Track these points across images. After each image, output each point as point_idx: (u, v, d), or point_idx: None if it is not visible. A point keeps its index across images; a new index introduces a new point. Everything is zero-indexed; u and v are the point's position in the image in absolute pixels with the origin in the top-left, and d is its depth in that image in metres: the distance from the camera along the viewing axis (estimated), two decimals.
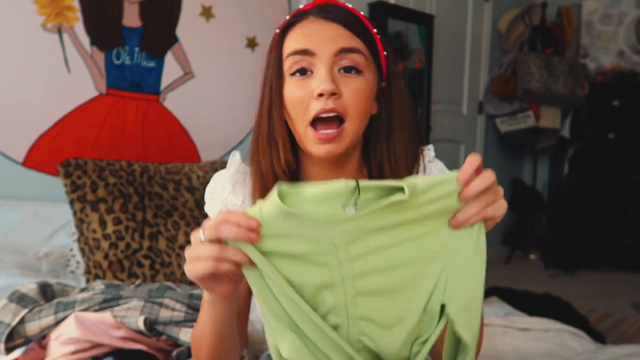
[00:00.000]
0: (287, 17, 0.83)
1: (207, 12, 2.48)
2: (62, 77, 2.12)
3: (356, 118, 0.77)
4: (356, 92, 0.76)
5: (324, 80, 0.74)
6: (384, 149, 0.82)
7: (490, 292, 2.47)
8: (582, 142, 3.93)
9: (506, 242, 4.22)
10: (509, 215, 4.25)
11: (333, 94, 0.75)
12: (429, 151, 0.88)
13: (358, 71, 0.77)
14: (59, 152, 2.09)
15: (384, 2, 3.04)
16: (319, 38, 0.77)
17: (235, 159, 0.90)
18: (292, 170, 0.83)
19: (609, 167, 3.84)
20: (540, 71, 3.65)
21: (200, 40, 2.47)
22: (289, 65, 0.78)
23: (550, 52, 3.83)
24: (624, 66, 3.96)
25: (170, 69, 2.40)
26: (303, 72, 0.77)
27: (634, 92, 3.81)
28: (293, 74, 0.78)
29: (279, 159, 0.81)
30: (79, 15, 2.12)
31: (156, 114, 2.38)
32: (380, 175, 0.82)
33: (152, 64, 2.34)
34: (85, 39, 2.15)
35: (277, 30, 0.82)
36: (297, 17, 0.80)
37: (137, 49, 2.29)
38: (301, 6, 0.83)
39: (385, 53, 0.83)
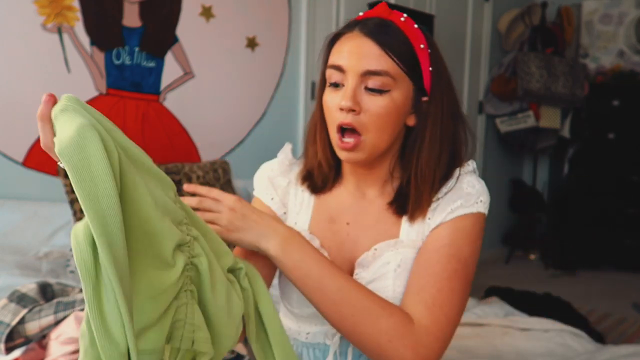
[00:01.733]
0: (347, 23, 0.90)
1: (207, 12, 2.48)
2: (62, 77, 2.12)
3: (375, 132, 0.84)
4: (376, 111, 0.83)
5: (346, 96, 0.82)
6: (413, 161, 0.88)
7: (490, 292, 2.47)
8: (582, 142, 3.93)
9: (506, 242, 4.22)
10: (509, 215, 4.25)
11: (352, 110, 0.82)
12: (468, 166, 0.91)
13: (382, 91, 0.83)
14: None
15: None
16: (351, 55, 0.83)
17: (287, 148, 1.01)
18: (331, 163, 0.94)
19: (609, 167, 3.84)
20: (540, 71, 3.65)
21: (200, 40, 2.47)
22: (328, 75, 0.87)
23: (550, 52, 3.83)
24: (624, 66, 3.96)
25: (170, 69, 2.40)
26: (336, 84, 0.85)
27: (634, 92, 3.81)
28: (330, 85, 0.87)
29: (319, 152, 0.93)
30: (79, 15, 2.12)
31: (156, 114, 2.38)
32: (407, 185, 0.88)
33: (152, 64, 2.34)
34: (85, 39, 2.15)
35: (330, 36, 0.89)
36: (347, 28, 0.87)
37: (137, 49, 2.29)
38: (361, 13, 0.90)
39: (431, 69, 0.86)
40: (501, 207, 4.22)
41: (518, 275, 3.66)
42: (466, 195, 0.86)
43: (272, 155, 1.03)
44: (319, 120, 0.92)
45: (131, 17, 2.26)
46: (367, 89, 0.83)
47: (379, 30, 0.83)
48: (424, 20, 3.28)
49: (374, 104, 0.82)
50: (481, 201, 0.87)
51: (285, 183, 0.98)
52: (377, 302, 0.79)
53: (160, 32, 2.36)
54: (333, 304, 0.78)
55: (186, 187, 0.85)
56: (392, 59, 0.82)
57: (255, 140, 2.69)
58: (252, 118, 2.69)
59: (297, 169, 0.99)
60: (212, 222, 0.82)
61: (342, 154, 0.86)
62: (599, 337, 1.94)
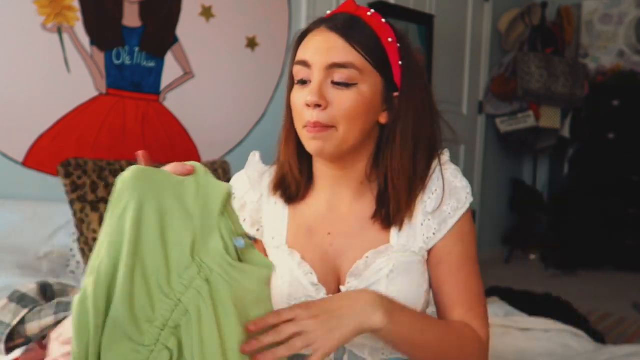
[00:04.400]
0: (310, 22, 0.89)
1: (207, 12, 2.48)
2: (62, 77, 2.11)
3: (345, 126, 0.81)
4: (344, 105, 0.80)
5: (312, 91, 0.80)
6: (387, 157, 0.86)
7: (490, 292, 2.47)
8: (582, 142, 3.92)
9: (506, 242, 4.22)
10: (509, 215, 4.25)
11: (317, 105, 0.80)
12: (443, 156, 0.90)
13: (349, 85, 0.81)
14: (59, 152, 2.09)
15: (384, 2, 3.04)
16: (316, 50, 0.82)
17: (254, 159, 0.98)
18: (304, 169, 0.91)
19: (609, 167, 3.84)
20: (540, 71, 3.65)
21: (200, 40, 2.47)
22: (295, 72, 0.85)
23: (550, 52, 3.82)
24: (624, 66, 3.96)
25: (170, 69, 2.40)
26: (303, 81, 0.83)
27: (634, 92, 3.81)
28: (297, 82, 0.84)
29: (292, 157, 0.90)
30: (79, 15, 2.12)
31: (156, 114, 2.37)
32: (386, 190, 0.87)
33: (152, 64, 2.34)
34: (85, 39, 2.15)
35: (298, 34, 0.88)
36: (313, 25, 0.86)
37: (137, 49, 2.29)
38: (328, 12, 0.89)
39: (401, 62, 0.84)
40: (501, 207, 4.22)
41: (518, 275, 3.66)
42: (456, 193, 0.87)
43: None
44: (288, 121, 0.89)
45: (131, 17, 2.26)
46: (334, 83, 0.81)
47: (345, 25, 0.82)
48: (424, 20, 3.28)
49: (341, 98, 0.80)
50: (468, 194, 0.88)
51: (257, 198, 0.95)
52: (458, 337, 0.84)
53: (160, 32, 2.35)
54: (432, 352, 0.81)
55: (252, 326, 0.65)
56: (358, 51, 0.81)
57: (255, 140, 2.69)
58: (252, 118, 2.69)
59: (268, 178, 0.96)
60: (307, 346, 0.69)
61: (311, 144, 0.82)
62: (599, 337, 1.94)
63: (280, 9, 2.72)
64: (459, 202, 0.87)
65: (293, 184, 0.91)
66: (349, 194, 0.90)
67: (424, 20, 3.27)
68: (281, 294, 0.88)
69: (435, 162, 0.88)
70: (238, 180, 0.97)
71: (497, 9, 3.94)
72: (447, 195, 0.86)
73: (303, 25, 3.17)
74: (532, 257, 4.15)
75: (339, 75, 0.80)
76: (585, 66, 3.93)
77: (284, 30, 2.75)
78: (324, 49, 0.81)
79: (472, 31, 3.77)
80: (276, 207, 0.94)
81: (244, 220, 0.94)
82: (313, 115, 0.80)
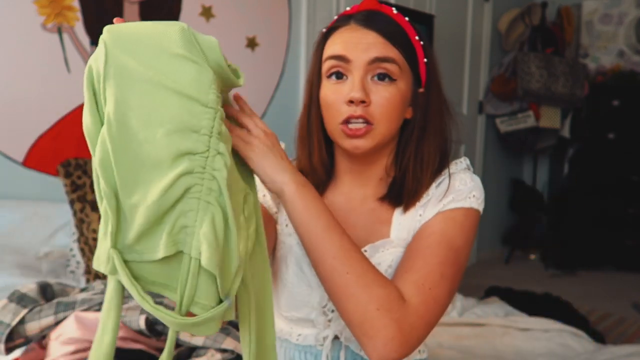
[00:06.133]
0: (334, 19, 0.88)
1: (207, 12, 2.48)
2: (62, 77, 2.12)
3: (384, 123, 0.82)
4: (386, 101, 0.81)
5: (355, 87, 0.80)
6: (411, 153, 0.86)
7: (490, 292, 2.47)
8: (582, 142, 3.93)
9: (506, 242, 4.22)
10: (509, 215, 4.26)
11: (362, 101, 0.80)
12: (461, 163, 0.90)
13: (391, 79, 0.81)
14: (59, 152, 2.09)
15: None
16: (355, 45, 0.81)
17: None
18: (326, 165, 0.91)
19: (609, 167, 3.84)
20: (540, 71, 3.65)
21: None
22: (327, 67, 0.84)
23: (550, 52, 3.83)
24: (624, 66, 3.96)
25: None
26: (339, 76, 0.82)
27: (634, 92, 3.81)
28: (329, 77, 0.83)
29: (314, 153, 0.89)
30: (79, 15, 2.12)
31: None
32: (403, 179, 0.86)
33: None
34: (85, 39, 2.15)
35: (323, 30, 0.87)
36: (340, 22, 0.85)
37: None
38: (348, 8, 0.88)
39: (425, 60, 0.86)
40: (501, 207, 4.22)
41: (518, 275, 3.66)
42: (457, 191, 0.85)
43: None
44: (315, 118, 0.88)
45: (131, 17, 2.26)
46: (375, 78, 0.81)
47: (377, 20, 0.83)
48: (424, 20, 3.28)
49: (383, 94, 0.81)
50: (474, 196, 0.85)
51: (261, 195, 0.95)
52: (374, 270, 0.76)
53: None
54: (331, 258, 0.74)
55: (235, 96, 0.75)
56: (396, 47, 0.82)
57: None
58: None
59: None
60: (241, 141, 0.74)
61: (348, 143, 0.82)
62: (599, 337, 1.94)
63: (280, 9, 2.72)
64: (457, 197, 0.84)
65: (313, 180, 0.91)
66: (367, 189, 0.91)
67: (424, 20, 3.27)
68: (286, 280, 0.90)
69: (449, 167, 0.88)
70: None
71: (497, 9, 3.94)
72: (447, 193, 0.85)
73: (303, 26, 3.16)
74: (532, 257, 4.15)
75: (382, 69, 0.81)
76: (585, 66, 3.94)
77: (284, 30, 2.75)
78: (364, 44, 0.81)
79: (472, 31, 3.77)
80: None
81: (264, 195, 0.95)
82: (357, 110, 0.80)
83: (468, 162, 0.91)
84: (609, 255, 3.82)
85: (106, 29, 0.58)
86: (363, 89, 0.80)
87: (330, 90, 0.83)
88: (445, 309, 0.80)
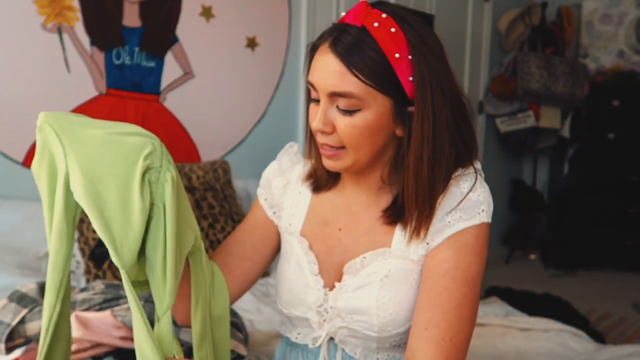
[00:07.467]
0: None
1: (207, 12, 2.48)
2: (62, 77, 2.12)
3: (353, 149, 0.81)
4: (351, 129, 0.80)
5: (317, 117, 0.81)
6: (404, 170, 0.83)
7: (490, 292, 2.47)
8: (582, 142, 3.93)
9: (506, 242, 4.22)
10: (509, 215, 4.26)
11: (323, 132, 0.81)
12: (470, 168, 0.86)
13: (352, 112, 0.79)
14: None
15: (383, 2, 3.04)
16: (320, 73, 0.80)
17: (291, 149, 1.01)
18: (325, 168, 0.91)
19: (609, 167, 3.84)
20: (540, 71, 3.65)
21: (200, 40, 2.47)
22: (309, 88, 0.85)
23: (550, 52, 3.83)
24: (624, 66, 3.96)
25: (170, 69, 2.40)
26: (314, 99, 0.84)
27: (634, 92, 3.81)
28: (311, 99, 0.85)
29: (316, 156, 0.92)
30: (79, 15, 2.12)
31: (156, 114, 2.37)
32: (402, 195, 0.84)
33: (152, 64, 2.34)
34: (85, 39, 2.15)
35: (309, 46, 0.86)
36: (321, 38, 0.82)
37: (137, 49, 2.29)
38: (343, 14, 0.84)
39: (411, 78, 0.78)
40: (501, 207, 4.22)
41: (518, 275, 3.66)
42: (465, 209, 0.82)
43: (272, 155, 1.04)
44: (308, 132, 0.91)
45: (131, 17, 2.26)
46: (338, 109, 0.80)
47: (347, 47, 0.77)
48: (424, 20, 3.27)
49: (345, 124, 0.79)
50: (483, 210, 0.83)
51: (283, 184, 0.98)
52: None
53: (160, 32, 2.35)
54: None
55: None
56: (359, 77, 0.76)
57: (255, 140, 2.69)
58: (252, 118, 2.69)
59: (299, 168, 0.99)
60: None
61: (325, 162, 0.85)
62: (599, 337, 1.94)
63: (280, 9, 2.72)
64: (465, 214, 0.82)
65: (322, 178, 0.94)
66: (369, 197, 0.91)
67: (424, 20, 3.27)
68: (287, 276, 0.92)
69: (458, 172, 0.85)
70: (271, 165, 1.02)
71: (497, 9, 3.94)
72: (454, 204, 0.83)
73: (303, 26, 3.15)
74: (532, 257, 4.15)
75: (341, 103, 0.79)
76: (585, 66, 3.94)
77: (284, 30, 2.75)
78: (325, 73, 0.78)
79: (472, 31, 3.77)
80: (299, 197, 0.97)
81: (265, 199, 0.99)
82: (322, 137, 0.82)
83: (479, 165, 0.88)
84: (608, 255, 3.82)
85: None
86: (324, 119, 0.80)
87: (311, 110, 0.85)
88: (468, 346, 0.81)
